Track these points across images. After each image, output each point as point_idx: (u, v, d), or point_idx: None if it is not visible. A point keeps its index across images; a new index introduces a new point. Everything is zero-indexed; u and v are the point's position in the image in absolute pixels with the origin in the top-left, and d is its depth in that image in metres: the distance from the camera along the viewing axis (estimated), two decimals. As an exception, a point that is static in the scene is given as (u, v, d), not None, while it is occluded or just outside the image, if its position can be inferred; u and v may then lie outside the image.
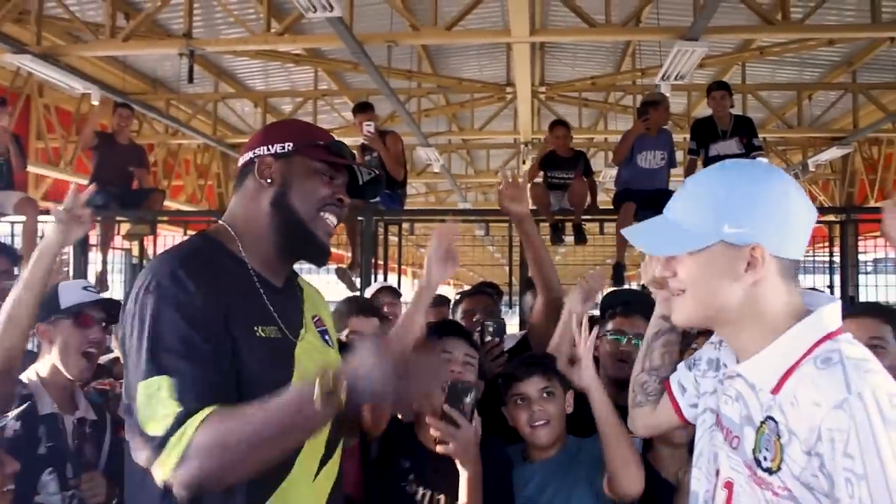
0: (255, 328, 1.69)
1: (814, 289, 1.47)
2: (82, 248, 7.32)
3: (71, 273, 6.22)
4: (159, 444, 1.50)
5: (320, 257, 1.84)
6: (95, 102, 8.51)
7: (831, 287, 7.06)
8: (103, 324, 2.69)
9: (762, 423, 1.40)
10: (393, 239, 8.51)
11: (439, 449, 2.18)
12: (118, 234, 7.98)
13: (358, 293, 6.77)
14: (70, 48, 8.44)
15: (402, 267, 9.15)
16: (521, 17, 7.00)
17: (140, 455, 1.57)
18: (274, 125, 1.93)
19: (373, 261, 7.05)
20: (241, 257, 1.78)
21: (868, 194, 13.42)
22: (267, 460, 1.52)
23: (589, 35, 8.10)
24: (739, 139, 6.71)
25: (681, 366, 1.80)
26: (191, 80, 7.81)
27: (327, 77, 11.64)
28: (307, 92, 11.93)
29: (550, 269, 2.87)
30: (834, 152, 11.71)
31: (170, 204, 12.71)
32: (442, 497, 2.29)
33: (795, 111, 11.67)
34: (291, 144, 1.81)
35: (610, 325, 2.84)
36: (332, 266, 7.72)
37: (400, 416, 2.49)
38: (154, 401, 1.52)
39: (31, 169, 10.54)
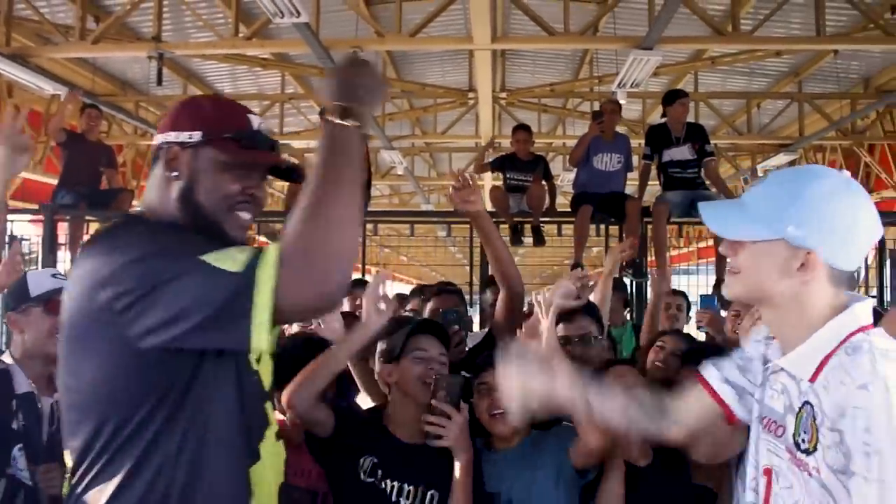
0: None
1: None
2: (51, 246, 7.22)
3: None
4: (248, 268, 1.36)
5: None
6: (64, 97, 8.38)
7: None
8: None
9: (800, 408, 1.47)
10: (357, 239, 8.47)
11: (435, 443, 2.22)
12: (87, 233, 7.87)
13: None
14: (40, 49, 8.30)
15: (366, 267, 9.11)
16: (483, 25, 7.02)
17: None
18: (185, 106, 1.72)
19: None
20: None
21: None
22: (351, 216, 1.42)
23: (548, 43, 8.13)
24: (692, 145, 6.77)
25: (719, 363, 1.78)
26: (160, 82, 7.72)
27: (294, 81, 11.59)
28: (274, 95, 11.86)
29: (510, 264, 2.87)
30: (781, 158, 11.87)
31: (138, 204, 12.54)
32: (411, 488, 2.29)
33: (745, 119, 11.81)
34: (200, 134, 1.64)
35: (558, 332, 2.82)
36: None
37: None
38: (221, 255, 1.40)
39: (-1, 168, 10.38)
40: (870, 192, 11.91)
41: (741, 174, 13.44)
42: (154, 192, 1.69)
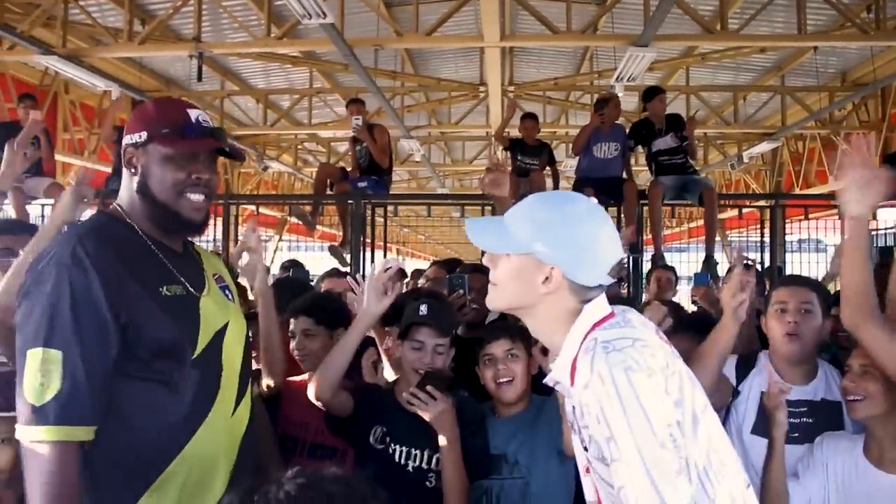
0: (161, 288, 1.68)
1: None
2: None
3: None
4: (38, 413, 1.52)
5: (191, 231, 1.81)
6: (115, 96, 8.39)
7: (762, 263, 7.13)
8: None
9: (573, 411, 1.50)
10: (379, 220, 8.48)
11: (413, 409, 2.23)
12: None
13: (349, 268, 6.78)
14: (92, 50, 8.31)
15: (388, 244, 9.14)
16: (493, 25, 6.98)
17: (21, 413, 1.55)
18: (135, 111, 1.81)
19: (361, 239, 7.03)
20: (137, 229, 1.74)
21: (794, 183, 13.52)
22: None
23: (552, 40, 8.09)
24: (674, 134, 6.75)
25: None
26: (200, 78, 7.74)
27: (321, 77, 11.55)
28: (303, 90, 11.83)
29: None
30: (765, 146, 11.77)
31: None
32: (418, 452, 2.32)
33: (732, 110, 11.71)
34: (145, 134, 1.72)
35: None
36: (326, 244, 7.70)
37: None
38: (37, 372, 1.52)
39: (58, 158, 10.43)
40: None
41: (728, 161, 13.32)
42: (124, 189, 1.78)
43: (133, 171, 1.74)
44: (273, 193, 17.25)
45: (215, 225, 8.16)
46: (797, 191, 12.99)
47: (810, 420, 2.40)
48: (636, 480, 1.32)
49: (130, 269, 1.64)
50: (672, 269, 5.82)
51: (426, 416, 2.22)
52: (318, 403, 2.30)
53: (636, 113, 11.78)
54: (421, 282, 4.66)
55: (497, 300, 1.57)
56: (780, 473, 2.21)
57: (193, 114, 1.76)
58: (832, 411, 2.40)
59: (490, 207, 6.84)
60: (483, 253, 1.59)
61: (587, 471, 1.54)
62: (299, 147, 15.63)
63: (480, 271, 3.35)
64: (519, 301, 1.54)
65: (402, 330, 2.42)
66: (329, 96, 12.29)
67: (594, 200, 1.57)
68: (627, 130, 7.15)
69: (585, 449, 1.49)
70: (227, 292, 1.90)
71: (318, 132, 13.59)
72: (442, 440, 2.23)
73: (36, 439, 1.51)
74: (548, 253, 1.48)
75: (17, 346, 1.57)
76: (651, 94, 6.90)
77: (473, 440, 2.33)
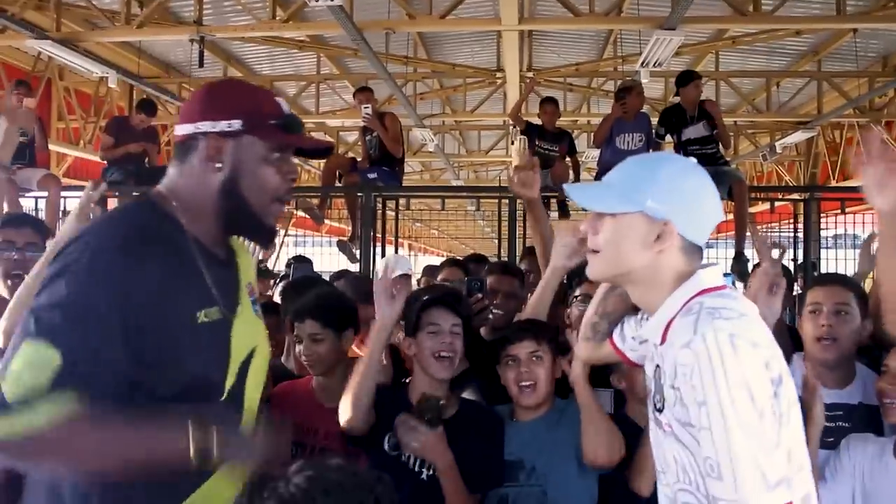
0: (197, 314, 1.52)
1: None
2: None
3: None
4: (2, 409, 1.34)
5: (268, 241, 1.69)
6: (112, 85, 8.44)
7: (795, 260, 7.07)
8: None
9: (654, 371, 1.55)
10: (390, 213, 8.48)
11: (407, 450, 2.24)
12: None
13: (358, 263, 6.77)
14: (88, 34, 8.35)
15: (399, 240, 9.15)
16: (511, 6, 6.96)
17: None
18: (214, 91, 1.65)
19: (372, 234, 7.03)
20: (184, 228, 1.56)
21: (830, 175, 13.42)
22: (104, 472, 1.41)
23: (573, 24, 8.06)
24: (706, 122, 6.71)
25: (628, 318, 1.87)
26: (201, 64, 7.78)
27: (329, 62, 11.55)
28: (310, 76, 11.83)
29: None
30: (799, 136, 11.69)
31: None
32: None
33: (764, 97, 11.64)
34: (240, 122, 1.55)
35: (578, 291, 2.82)
36: (335, 239, 7.71)
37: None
38: (30, 365, 1.35)
39: (52, 148, 10.49)
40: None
41: (760, 151, 13.24)
42: (185, 179, 1.59)
43: (217, 165, 1.56)
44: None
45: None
46: (833, 183, 12.89)
47: (847, 424, 2.39)
48: (735, 450, 1.34)
49: (169, 293, 1.47)
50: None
51: (417, 452, 2.24)
52: (345, 425, 2.29)
53: (662, 101, 11.76)
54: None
55: (603, 265, 1.59)
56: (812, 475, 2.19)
57: (283, 105, 1.63)
58: (870, 416, 2.39)
59: (507, 202, 6.83)
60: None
61: (660, 426, 1.55)
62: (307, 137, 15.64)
63: (507, 272, 3.32)
64: (627, 263, 1.56)
65: (412, 322, 2.40)
66: (337, 83, 12.29)
67: (693, 160, 1.62)
68: (658, 118, 7.10)
69: (659, 410, 1.52)
70: (255, 307, 1.74)
71: (326, 121, 13.59)
72: (437, 469, 2.24)
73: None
74: (660, 209, 1.51)
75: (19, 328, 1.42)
76: (686, 79, 6.84)
77: (487, 449, 2.33)
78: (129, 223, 1.55)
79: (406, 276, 3.81)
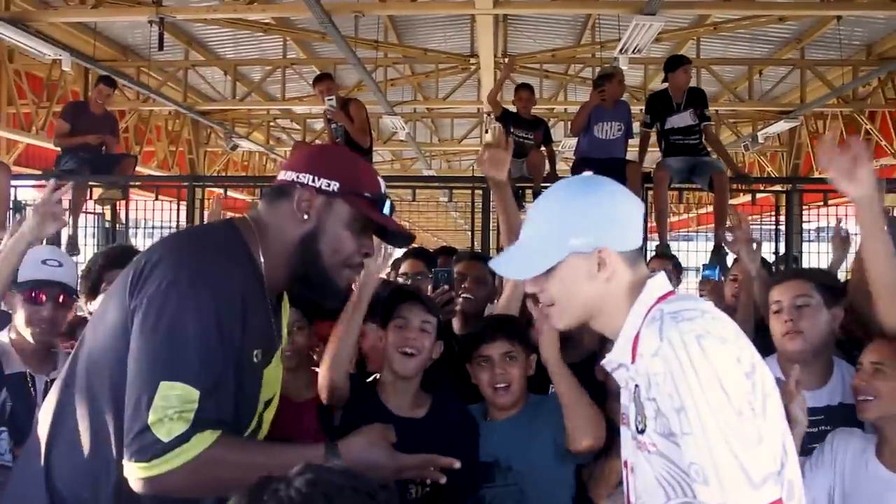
0: (254, 353, 1.65)
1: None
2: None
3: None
4: (161, 449, 1.48)
5: (333, 301, 1.81)
6: (66, 69, 8.32)
7: (776, 253, 7.15)
8: (60, 299, 2.61)
9: (633, 392, 1.54)
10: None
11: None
12: (90, 198, 7.85)
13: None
14: (40, 14, 8.24)
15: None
16: (485, -10, 6.95)
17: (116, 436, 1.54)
18: (324, 153, 1.84)
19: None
20: (260, 268, 1.69)
21: (813, 166, 13.54)
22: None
23: (550, 8, 8.09)
24: (693, 111, 6.75)
25: None
26: (161, 47, 7.67)
27: (296, 46, 11.48)
28: (276, 60, 11.76)
29: None
30: (782, 125, 11.80)
31: (141, 169, 12.49)
32: None
33: (746, 85, 11.71)
34: (338, 185, 1.69)
35: None
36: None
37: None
38: (169, 404, 1.49)
39: (2, 134, 10.35)
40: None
41: (742, 141, 13.36)
42: (273, 219, 1.72)
43: (305, 216, 1.69)
44: (243, 175, 17.17)
45: (178, 209, 8.13)
46: (816, 175, 13.01)
47: (828, 428, 2.41)
48: (715, 452, 1.36)
49: (244, 314, 1.61)
50: (673, 257, 5.79)
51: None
52: (325, 396, 2.34)
53: (641, 89, 11.82)
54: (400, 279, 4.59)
55: (565, 316, 1.61)
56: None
57: (383, 185, 1.76)
58: (853, 415, 2.39)
59: (480, 192, 6.84)
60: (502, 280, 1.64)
61: (625, 464, 1.60)
62: (272, 124, 15.56)
63: (476, 258, 3.35)
64: (584, 302, 1.58)
65: (383, 315, 2.43)
66: (304, 68, 12.22)
67: (588, 172, 1.63)
68: (644, 105, 7.13)
69: (640, 432, 1.52)
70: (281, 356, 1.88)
71: (292, 107, 13.53)
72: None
73: (170, 467, 1.49)
74: (587, 241, 1.53)
75: (137, 365, 1.54)
76: (675, 64, 6.89)
77: (463, 452, 2.33)
78: (219, 241, 1.69)
79: (396, 262, 3.79)
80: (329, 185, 1.68)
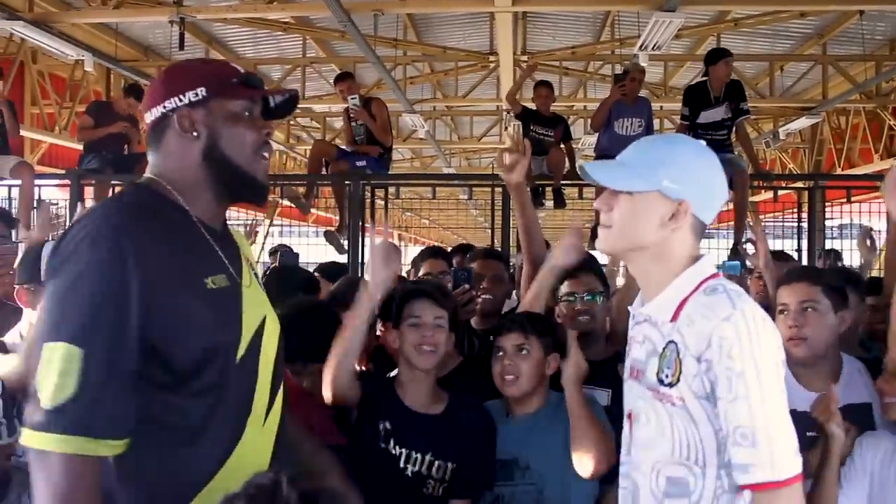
0: (206, 280, 1.61)
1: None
2: (77, 210, 7.27)
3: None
4: (44, 420, 1.43)
5: (261, 198, 1.76)
6: (89, 69, 8.38)
7: (799, 250, 7.09)
8: None
9: (664, 348, 1.64)
10: (379, 203, 8.48)
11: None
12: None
13: (346, 255, 6.77)
14: (62, 15, 8.30)
15: (389, 230, 9.14)
16: (504, -12, 6.94)
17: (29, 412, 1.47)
18: (174, 72, 1.74)
19: (360, 224, 7.03)
20: (183, 206, 1.65)
21: (835, 162, 13.47)
22: None
23: (569, 5, 8.08)
24: (729, 104, 6.70)
25: None
26: (182, 47, 7.72)
27: (315, 45, 11.52)
28: (296, 59, 11.80)
29: (539, 243, 2.83)
30: (803, 122, 11.72)
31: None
32: (418, 456, 2.32)
33: (767, 81, 11.62)
34: (204, 89, 1.65)
35: (563, 289, 2.84)
36: (322, 229, 7.71)
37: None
38: (52, 368, 1.44)
39: (26, 134, 10.44)
40: (892, 155, 11.78)
41: (763, 138, 13.27)
42: (167, 159, 1.68)
43: (194, 134, 1.65)
44: (262, 173, 17.20)
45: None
46: (839, 171, 12.94)
47: None
48: (771, 419, 1.51)
49: (176, 261, 1.57)
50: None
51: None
52: (329, 398, 2.30)
53: (661, 85, 11.77)
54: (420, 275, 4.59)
55: (616, 239, 1.69)
56: (832, 492, 2.18)
57: (238, 66, 1.75)
58: (860, 415, 2.38)
59: (500, 190, 6.84)
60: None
61: (629, 416, 1.73)
62: (291, 122, 15.61)
63: (491, 256, 3.35)
64: (641, 239, 1.66)
65: (396, 313, 2.43)
66: (324, 66, 12.24)
67: (702, 142, 1.74)
68: (682, 98, 7.08)
69: (668, 385, 1.61)
70: (259, 280, 1.84)
71: (312, 106, 13.54)
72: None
73: (46, 448, 1.42)
74: (676, 188, 1.63)
75: (36, 334, 1.51)
76: (716, 57, 6.83)
77: (480, 449, 2.36)
78: (125, 204, 1.65)
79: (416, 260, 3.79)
80: (197, 94, 1.65)
